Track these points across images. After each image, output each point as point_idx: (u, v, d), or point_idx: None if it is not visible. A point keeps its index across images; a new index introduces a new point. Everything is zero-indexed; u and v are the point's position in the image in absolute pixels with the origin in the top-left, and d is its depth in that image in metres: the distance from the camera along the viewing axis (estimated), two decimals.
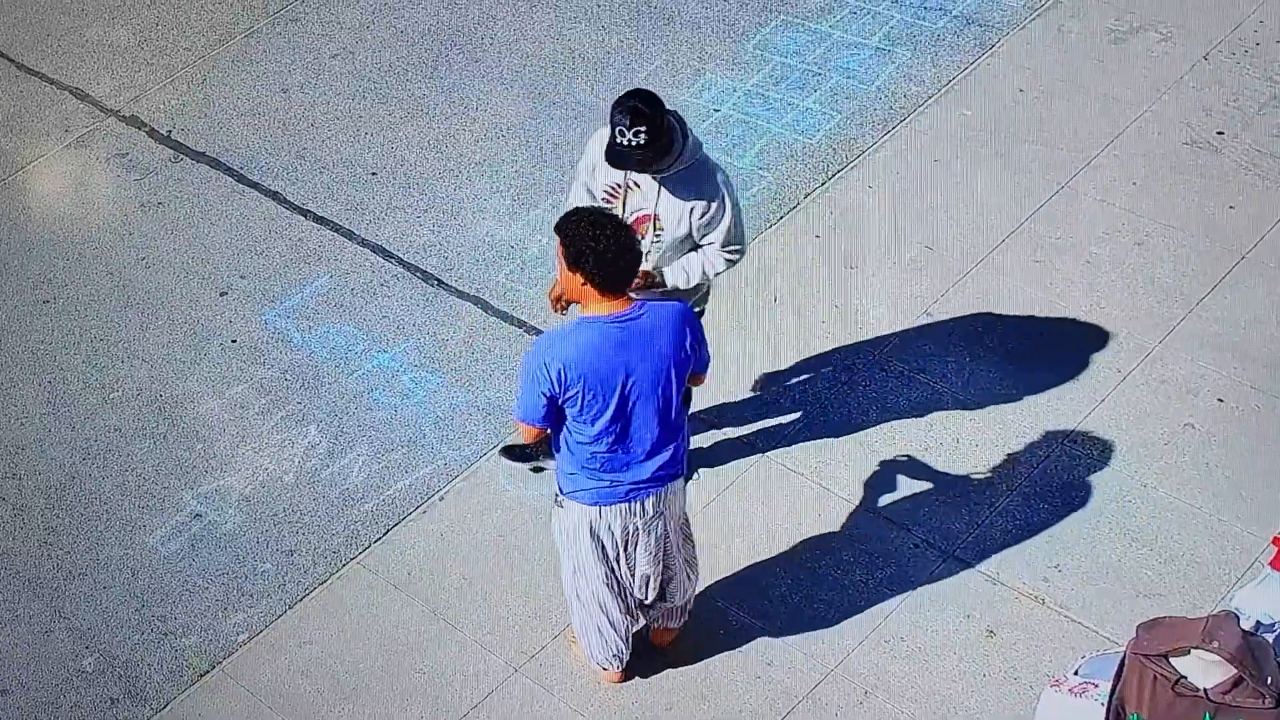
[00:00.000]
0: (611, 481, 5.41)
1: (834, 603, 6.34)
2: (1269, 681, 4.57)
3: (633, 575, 5.71)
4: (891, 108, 8.59)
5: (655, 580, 5.78)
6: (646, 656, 6.16)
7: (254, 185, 8.39)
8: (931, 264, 7.71)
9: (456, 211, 8.17)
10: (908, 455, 6.86)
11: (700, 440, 6.93)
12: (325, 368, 7.43)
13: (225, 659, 6.32)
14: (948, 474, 6.78)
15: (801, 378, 7.23)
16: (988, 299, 7.53)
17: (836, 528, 6.61)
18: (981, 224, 7.90)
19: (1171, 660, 4.67)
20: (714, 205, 5.88)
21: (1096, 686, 5.28)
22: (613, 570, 5.65)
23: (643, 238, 5.93)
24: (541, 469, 6.69)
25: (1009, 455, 6.83)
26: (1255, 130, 8.26)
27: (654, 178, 5.85)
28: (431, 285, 7.79)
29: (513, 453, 6.84)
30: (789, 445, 6.94)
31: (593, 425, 5.26)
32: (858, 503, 6.70)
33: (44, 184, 8.52)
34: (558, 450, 5.45)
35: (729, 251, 6.00)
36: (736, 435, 7.00)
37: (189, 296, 7.81)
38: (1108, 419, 6.95)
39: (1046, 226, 7.86)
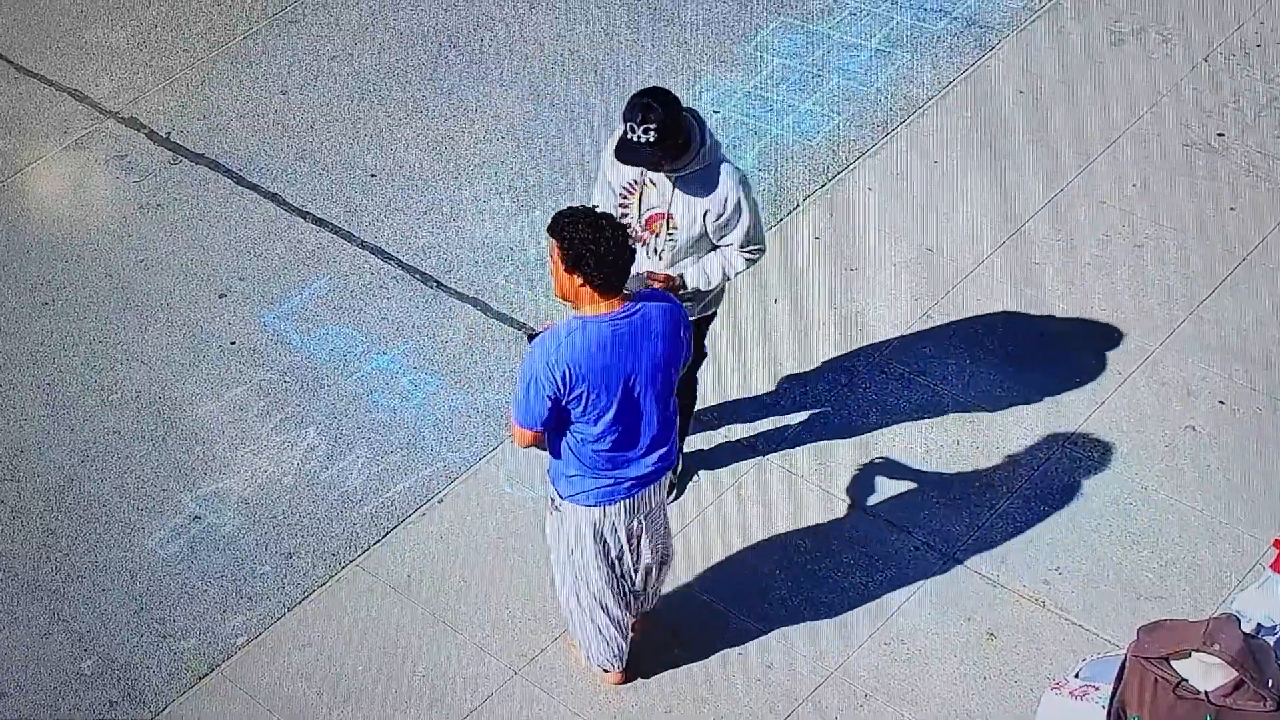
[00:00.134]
0: (615, 479, 5.43)
1: (834, 605, 6.33)
2: (1270, 684, 4.56)
3: (635, 569, 5.74)
4: (891, 109, 8.58)
5: (655, 570, 5.85)
6: (646, 658, 6.15)
7: (253, 187, 8.38)
8: (932, 266, 7.70)
9: (456, 213, 8.16)
10: (908, 458, 6.86)
11: (700, 442, 6.92)
12: (324, 370, 7.42)
13: (224, 662, 6.31)
14: (948, 476, 6.77)
15: (801, 380, 7.22)
16: (988, 301, 7.52)
17: (836, 530, 6.60)
18: (982, 226, 7.89)
19: (1173, 663, 4.66)
20: (729, 208, 5.86)
21: (1097, 689, 5.28)
22: (613, 568, 5.66)
23: (656, 236, 5.93)
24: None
25: (1009, 457, 6.83)
26: (1256, 132, 8.26)
27: (669, 177, 5.84)
28: (430, 287, 7.78)
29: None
30: (789, 447, 6.93)
31: (596, 425, 5.26)
32: (858, 505, 6.69)
33: (43, 186, 8.51)
34: (557, 456, 5.44)
35: (748, 251, 5.99)
36: (736, 437, 6.99)
37: (188, 298, 7.80)
38: (1108, 421, 6.94)
39: (1047, 228, 7.85)
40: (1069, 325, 7.38)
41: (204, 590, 6.55)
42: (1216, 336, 7.27)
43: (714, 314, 6.34)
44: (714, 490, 6.78)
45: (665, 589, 6.32)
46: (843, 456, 6.87)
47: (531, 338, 5.36)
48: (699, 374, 6.54)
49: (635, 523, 5.59)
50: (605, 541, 5.57)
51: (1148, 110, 8.45)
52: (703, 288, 6.03)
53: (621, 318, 5.19)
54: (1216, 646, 4.53)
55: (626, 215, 5.96)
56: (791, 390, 7.18)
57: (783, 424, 7.03)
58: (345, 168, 8.47)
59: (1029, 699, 5.93)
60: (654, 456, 5.45)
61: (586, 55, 9.07)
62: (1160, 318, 7.37)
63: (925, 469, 6.80)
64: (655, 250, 5.98)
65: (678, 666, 6.17)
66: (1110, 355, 7.22)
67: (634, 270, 5.91)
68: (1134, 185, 8.05)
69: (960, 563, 6.45)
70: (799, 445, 6.93)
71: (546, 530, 5.73)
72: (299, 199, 8.29)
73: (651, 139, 5.63)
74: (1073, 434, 6.89)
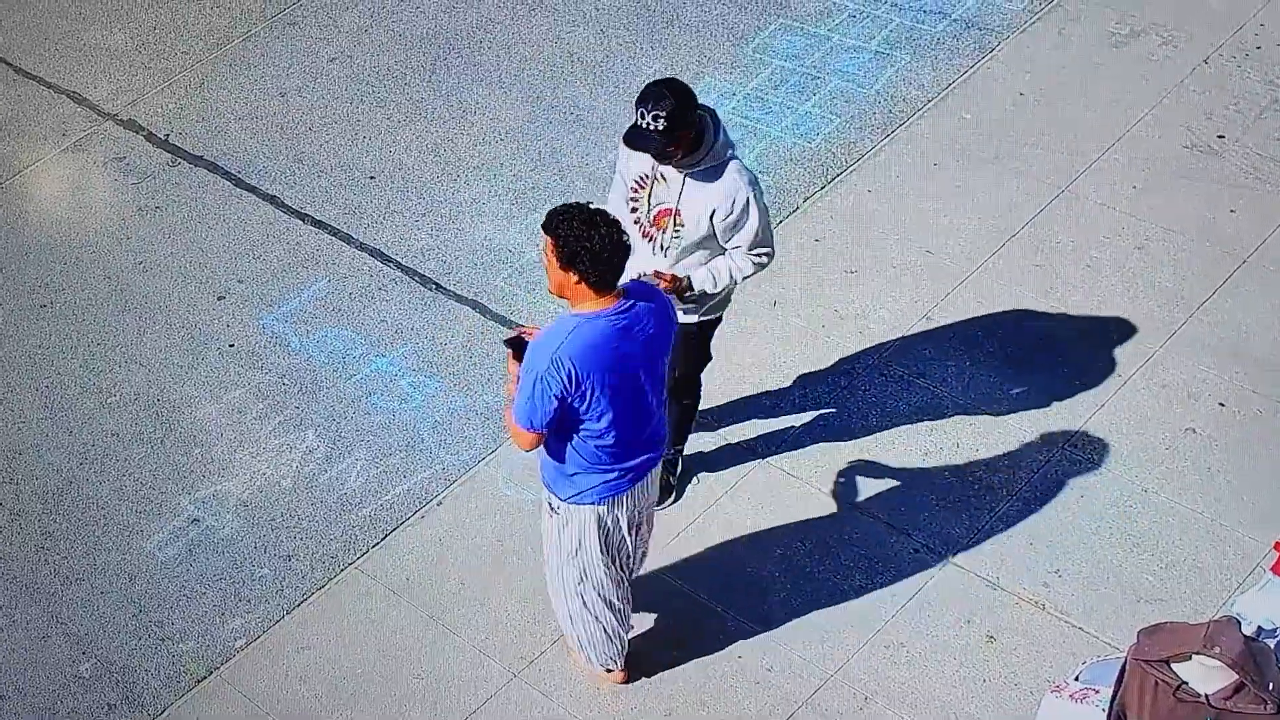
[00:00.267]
0: (619, 472, 5.45)
1: (833, 608, 6.32)
2: (1270, 687, 4.55)
3: (633, 557, 5.79)
4: (891, 111, 8.57)
5: (644, 555, 5.94)
6: (646, 661, 6.14)
7: (252, 189, 8.37)
8: (931, 268, 7.70)
9: (455, 215, 8.16)
10: (907, 460, 6.85)
11: (700, 445, 6.92)
12: (323, 372, 7.41)
13: (223, 664, 6.30)
14: (948, 478, 6.76)
15: (801, 382, 7.21)
16: (988, 303, 7.51)
17: (836, 533, 6.59)
18: (981, 228, 7.89)
19: (1173, 666, 4.65)
20: (737, 208, 5.85)
21: (1098, 692, 5.27)
22: (613, 560, 5.69)
23: (663, 232, 5.93)
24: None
25: (1009, 460, 6.82)
26: (1256, 134, 8.25)
27: (679, 171, 5.84)
28: (430, 289, 7.77)
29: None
30: (788, 450, 6.92)
31: (600, 420, 5.28)
32: (857, 507, 6.68)
33: (41, 188, 8.51)
34: (557, 458, 5.43)
35: (756, 255, 5.98)
36: (736, 440, 6.98)
37: (186, 300, 7.79)
38: (1108, 423, 6.93)
39: (1047, 230, 7.85)
40: (1069, 327, 7.38)
41: (203, 593, 6.54)
42: (1217, 338, 7.26)
43: (720, 318, 6.33)
44: (714, 493, 6.77)
45: (664, 591, 6.32)
46: (842, 459, 6.86)
47: (509, 342, 5.36)
48: (702, 376, 6.54)
49: (635, 512, 5.63)
50: (608, 536, 5.58)
51: (1148, 112, 8.44)
52: (709, 290, 6.02)
53: (619, 313, 5.20)
54: (1217, 649, 4.53)
55: (637, 209, 5.97)
56: (791, 393, 7.17)
57: (782, 426, 7.03)
58: (344, 170, 8.46)
59: (1029, 702, 5.92)
60: (653, 444, 5.51)
61: (585, 57, 9.06)
62: (1160, 320, 7.36)
63: (925, 471, 6.79)
64: (661, 247, 5.97)
65: (677, 668, 6.16)
66: (1110, 357, 7.21)
67: (640, 267, 5.93)
68: (1134, 187, 8.04)
69: (960, 565, 6.44)
70: (799, 448, 6.93)
71: (543, 536, 5.72)
72: (298, 201, 8.29)
73: (661, 127, 5.64)
74: (1073, 436, 6.89)
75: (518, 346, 5.34)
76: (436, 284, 7.79)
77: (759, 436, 6.99)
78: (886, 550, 6.51)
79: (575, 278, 5.13)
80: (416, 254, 7.95)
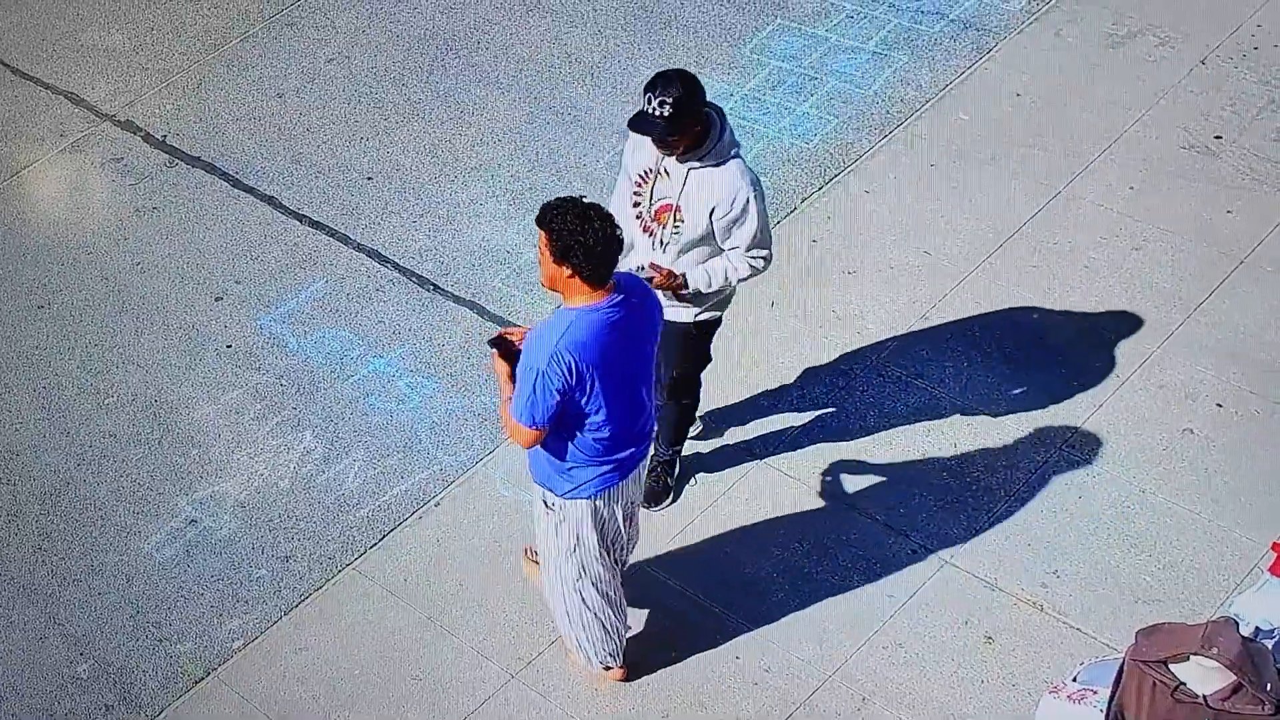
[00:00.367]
0: (615, 464, 5.46)
1: (831, 608, 6.32)
2: (1268, 688, 4.55)
3: (627, 548, 5.82)
4: (888, 112, 8.57)
5: (634, 545, 5.97)
6: (644, 662, 6.14)
7: (249, 190, 8.37)
8: (929, 268, 7.70)
9: (452, 216, 8.16)
10: (905, 460, 6.85)
11: (698, 445, 6.92)
12: (321, 373, 7.41)
13: (220, 665, 6.30)
14: (945, 479, 6.76)
15: (799, 383, 7.21)
16: (985, 304, 7.51)
17: (834, 533, 6.59)
18: (979, 229, 7.89)
19: (1171, 666, 4.65)
20: (737, 207, 5.86)
21: (1095, 693, 5.27)
22: (608, 552, 5.71)
23: (663, 227, 5.94)
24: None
25: (1007, 460, 6.82)
26: (1253, 135, 8.25)
27: (681, 165, 5.84)
28: (427, 290, 7.77)
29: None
30: (786, 451, 6.92)
31: (598, 413, 5.29)
32: (855, 508, 6.68)
33: (39, 189, 8.50)
34: (556, 454, 5.43)
35: (753, 257, 5.98)
36: (734, 440, 6.98)
37: (184, 301, 7.79)
38: (1106, 424, 6.93)
39: (1044, 231, 7.85)
40: (1066, 328, 7.38)
41: (200, 594, 6.54)
42: (1214, 339, 7.26)
43: (720, 318, 6.33)
44: (711, 493, 6.77)
45: (662, 591, 6.32)
46: (840, 459, 6.86)
47: (493, 342, 5.37)
48: (701, 377, 6.54)
49: (628, 504, 5.67)
50: (604, 528, 5.59)
51: (1145, 113, 8.44)
52: (704, 289, 6.02)
53: (613, 306, 5.22)
54: (1215, 650, 4.53)
55: (639, 203, 5.97)
56: (789, 393, 7.17)
57: (780, 427, 7.03)
58: (342, 170, 8.46)
59: (1027, 703, 5.92)
60: (644, 436, 5.54)
61: (583, 58, 9.06)
62: (1158, 320, 7.36)
63: (923, 472, 6.79)
64: (661, 242, 5.97)
65: (675, 669, 6.16)
66: (1108, 358, 7.21)
67: (638, 261, 5.95)
68: (1131, 188, 8.04)
69: (957, 566, 6.44)
70: (796, 448, 6.93)
71: (538, 535, 5.72)
72: (295, 202, 8.28)
73: (666, 113, 5.65)
74: (1070, 437, 6.89)
75: (502, 346, 5.36)
76: (434, 285, 7.79)
77: (756, 437, 6.99)
78: (884, 551, 6.51)
79: (569, 272, 5.14)
80: (414, 255, 7.95)
